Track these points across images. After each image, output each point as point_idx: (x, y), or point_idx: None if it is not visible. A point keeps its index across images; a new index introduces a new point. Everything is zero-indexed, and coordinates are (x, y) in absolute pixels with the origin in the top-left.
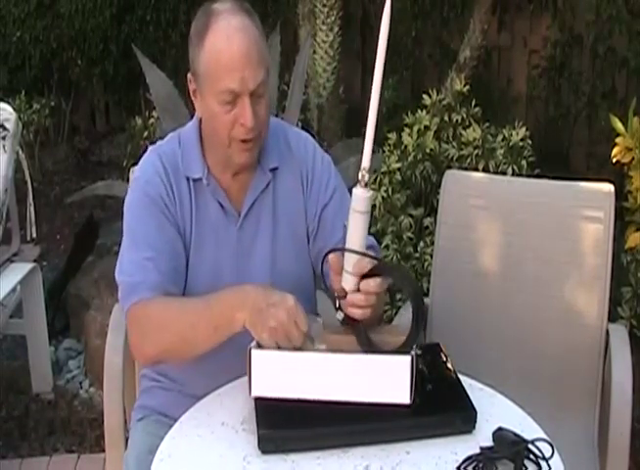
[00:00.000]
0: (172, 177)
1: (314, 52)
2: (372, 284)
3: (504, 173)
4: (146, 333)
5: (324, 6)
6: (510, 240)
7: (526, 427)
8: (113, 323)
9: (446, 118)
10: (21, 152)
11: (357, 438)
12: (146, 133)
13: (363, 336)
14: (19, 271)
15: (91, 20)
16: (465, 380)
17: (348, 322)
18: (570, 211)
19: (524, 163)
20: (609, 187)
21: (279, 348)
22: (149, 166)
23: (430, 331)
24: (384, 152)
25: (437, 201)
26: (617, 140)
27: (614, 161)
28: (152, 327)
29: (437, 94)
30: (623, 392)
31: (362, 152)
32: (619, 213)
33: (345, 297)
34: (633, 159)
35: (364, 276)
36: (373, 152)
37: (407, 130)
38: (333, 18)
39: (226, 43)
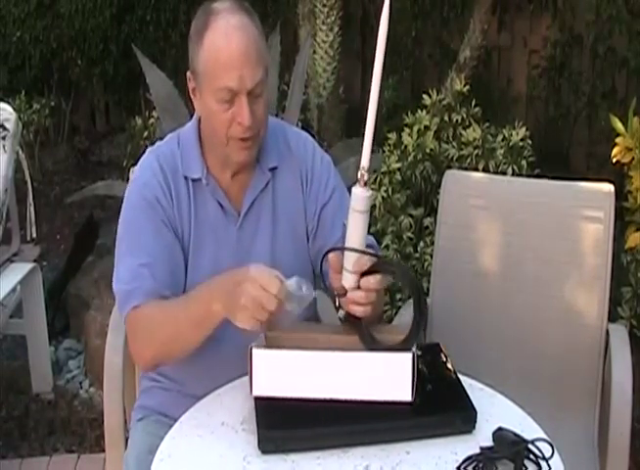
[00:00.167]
0: (170, 178)
1: (314, 52)
2: (372, 281)
3: (504, 173)
4: (141, 338)
5: (324, 6)
6: (510, 240)
7: (526, 427)
8: (113, 323)
9: (446, 118)
10: (21, 152)
11: (357, 438)
12: (146, 133)
13: (365, 333)
14: (19, 271)
15: (91, 20)
16: (465, 380)
17: (349, 320)
18: (570, 211)
19: (524, 163)
20: (609, 187)
21: (261, 324)
22: (146, 169)
23: (430, 331)
24: (384, 152)
25: (437, 201)
26: (617, 140)
27: (614, 161)
28: (145, 332)
29: (437, 94)
30: (623, 392)
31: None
32: (619, 213)
33: (345, 295)
34: (633, 159)
35: (364, 274)
36: (373, 152)
37: (407, 130)
38: (333, 18)
39: (225, 41)
